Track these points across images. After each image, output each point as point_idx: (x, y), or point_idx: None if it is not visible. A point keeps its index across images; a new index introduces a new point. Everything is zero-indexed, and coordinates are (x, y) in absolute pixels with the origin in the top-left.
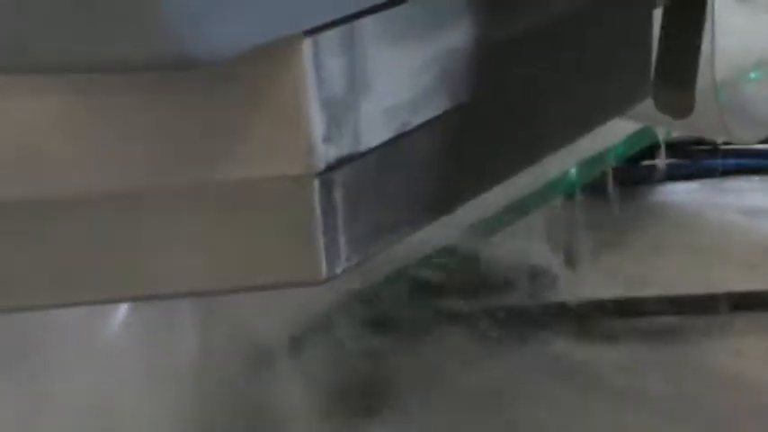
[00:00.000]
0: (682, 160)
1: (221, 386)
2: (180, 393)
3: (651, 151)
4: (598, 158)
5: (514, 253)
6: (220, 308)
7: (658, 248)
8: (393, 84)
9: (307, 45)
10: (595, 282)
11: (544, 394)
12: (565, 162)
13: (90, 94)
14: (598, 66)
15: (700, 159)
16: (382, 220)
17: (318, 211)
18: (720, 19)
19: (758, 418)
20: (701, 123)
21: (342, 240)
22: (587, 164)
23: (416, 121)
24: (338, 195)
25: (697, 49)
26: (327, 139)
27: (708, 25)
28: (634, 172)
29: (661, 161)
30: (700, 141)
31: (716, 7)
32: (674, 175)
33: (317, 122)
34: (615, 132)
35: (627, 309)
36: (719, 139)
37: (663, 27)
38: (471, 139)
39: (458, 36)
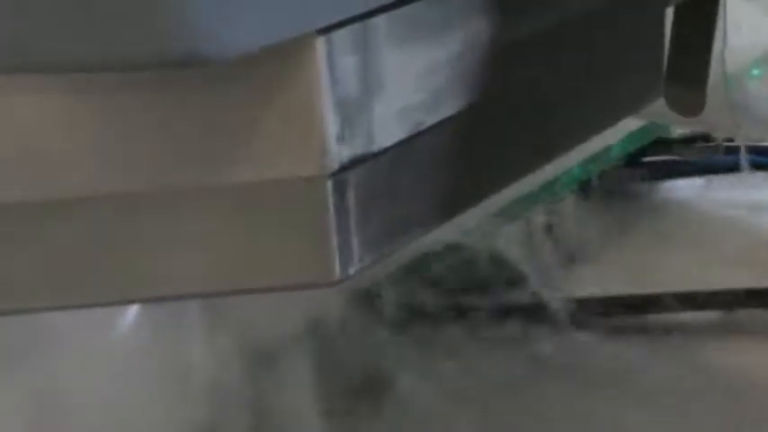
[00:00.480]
0: (684, 157)
1: (227, 385)
2: (187, 393)
3: (653, 148)
4: (601, 155)
5: (515, 250)
6: (227, 307)
7: (661, 245)
8: (406, 84)
9: (320, 44)
10: (597, 278)
11: (545, 390)
12: (567, 159)
13: (99, 93)
14: (610, 65)
15: (702, 156)
16: (395, 220)
17: (332, 212)
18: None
19: (760, 414)
20: (711, 121)
21: (355, 241)
22: (590, 161)
23: (429, 121)
24: (351, 196)
25: (708, 47)
26: (341, 139)
27: (719, 24)
28: (636, 169)
29: (663, 158)
30: (705, 138)
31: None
32: (676, 171)
33: (330, 123)
34: (617, 129)
35: (629, 306)
36: (732, 138)
37: (674, 26)
38: (484, 140)
39: (470, 36)
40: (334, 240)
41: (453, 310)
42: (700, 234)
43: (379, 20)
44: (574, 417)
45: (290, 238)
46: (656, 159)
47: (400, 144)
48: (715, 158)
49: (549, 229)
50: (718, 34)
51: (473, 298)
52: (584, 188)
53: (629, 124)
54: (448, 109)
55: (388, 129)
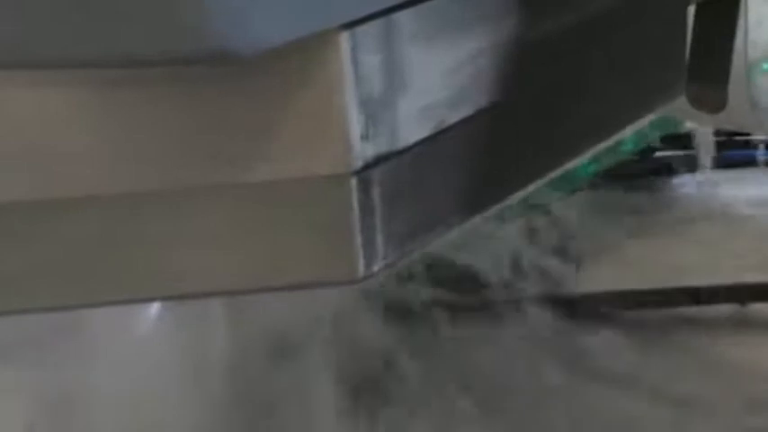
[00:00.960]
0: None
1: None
2: (209, 385)
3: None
4: (613, 149)
5: (522, 245)
6: (247, 301)
7: (673, 240)
8: (430, 81)
9: (344, 40)
10: (608, 274)
11: (551, 383)
12: None
13: (119, 91)
14: (633, 63)
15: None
16: (419, 217)
17: (356, 210)
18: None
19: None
20: (733, 118)
21: (379, 239)
22: (601, 155)
23: (452, 119)
24: (376, 194)
25: (730, 44)
26: (365, 137)
27: (740, 21)
28: (647, 163)
29: (674, 153)
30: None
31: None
32: (686, 166)
33: (354, 120)
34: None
35: (636, 300)
36: (754, 133)
37: (695, 23)
38: (507, 138)
39: (495, 34)
40: (359, 238)
41: (449, 306)
42: (711, 229)
43: (403, 16)
44: (581, 409)
45: (314, 236)
46: (668, 154)
47: (424, 142)
48: (728, 153)
49: (557, 224)
50: (739, 31)
51: (477, 293)
52: (595, 183)
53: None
54: (471, 107)
55: (412, 126)
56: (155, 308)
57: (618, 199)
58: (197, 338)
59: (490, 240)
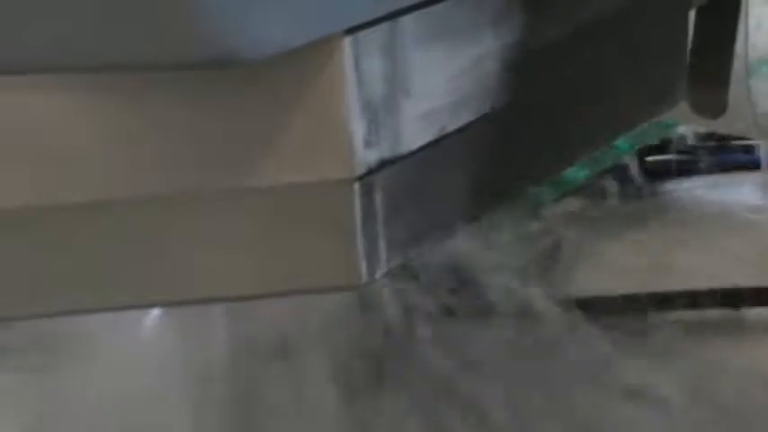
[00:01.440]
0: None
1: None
2: (210, 387)
3: (660, 146)
4: (605, 153)
5: (513, 250)
6: (247, 304)
7: (667, 244)
8: (433, 87)
9: (347, 45)
10: (601, 278)
11: (546, 387)
12: None
13: (126, 95)
14: (635, 68)
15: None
16: (421, 223)
17: (359, 216)
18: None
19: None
20: (734, 123)
21: (382, 244)
22: (595, 158)
23: (456, 124)
24: (378, 199)
25: (731, 48)
26: (368, 142)
27: (741, 25)
28: (642, 167)
29: (670, 156)
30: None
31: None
32: (681, 170)
33: (357, 125)
34: None
35: (634, 304)
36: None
37: (696, 27)
38: (510, 142)
39: (496, 40)
40: (361, 243)
41: (446, 309)
42: (706, 233)
43: (407, 21)
44: (574, 415)
45: (316, 242)
46: (661, 158)
47: (427, 147)
48: (722, 157)
49: (549, 228)
50: (740, 37)
51: (466, 297)
52: (586, 187)
53: None
54: (473, 112)
55: (415, 131)
56: (154, 311)
57: (611, 203)
58: (197, 340)
59: (485, 244)
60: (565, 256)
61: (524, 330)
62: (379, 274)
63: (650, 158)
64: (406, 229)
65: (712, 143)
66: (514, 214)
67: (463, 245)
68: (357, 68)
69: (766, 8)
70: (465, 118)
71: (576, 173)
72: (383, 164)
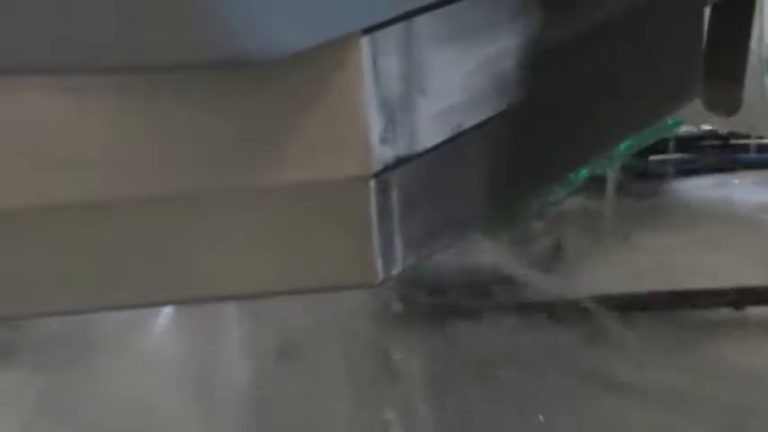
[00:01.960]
0: (692, 155)
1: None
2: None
3: (661, 146)
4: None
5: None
6: (259, 303)
7: (670, 243)
8: (449, 85)
9: (365, 44)
10: (606, 278)
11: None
12: None
13: (141, 95)
14: (650, 64)
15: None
16: (437, 220)
17: (375, 213)
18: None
19: None
20: (748, 120)
21: (398, 241)
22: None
23: (471, 122)
24: (394, 196)
25: (745, 46)
26: (384, 139)
27: (756, 22)
28: (644, 167)
29: (671, 156)
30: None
31: None
32: (683, 170)
33: (374, 123)
34: None
35: (636, 303)
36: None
37: (711, 25)
38: (525, 140)
39: (512, 37)
40: (377, 241)
41: (454, 309)
42: (710, 232)
43: (423, 20)
44: (577, 412)
45: (333, 239)
46: (663, 157)
47: (443, 144)
48: (725, 157)
49: (556, 228)
50: (754, 35)
51: (475, 297)
52: (588, 187)
53: None
54: (489, 110)
55: (431, 129)
56: (167, 309)
57: (614, 202)
58: (208, 339)
59: (489, 244)
60: (567, 256)
61: (529, 328)
62: (394, 272)
63: (653, 158)
64: (422, 227)
65: (716, 142)
66: (517, 213)
67: (469, 245)
68: (374, 67)
69: None
70: (481, 115)
71: (578, 172)
72: (399, 161)
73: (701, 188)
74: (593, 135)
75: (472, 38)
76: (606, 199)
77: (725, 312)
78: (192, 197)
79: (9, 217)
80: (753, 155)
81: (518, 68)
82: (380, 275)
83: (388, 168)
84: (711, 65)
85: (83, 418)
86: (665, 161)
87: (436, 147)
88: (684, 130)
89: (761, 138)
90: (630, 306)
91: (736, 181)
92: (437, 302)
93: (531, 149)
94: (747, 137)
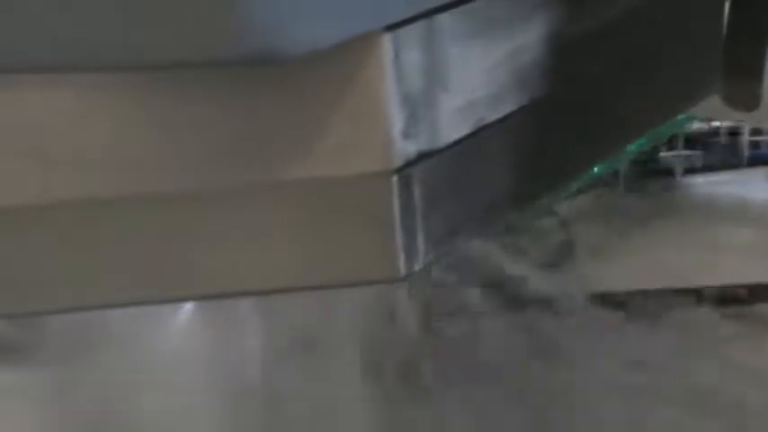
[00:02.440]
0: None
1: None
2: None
3: (670, 143)
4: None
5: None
6: (278, 299)
7: (679, 241)
8: (471, 80)
9: (387, 41)
10: (615, 274)
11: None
12: None
13: (161, 92)
14: (670, 58)
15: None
16: (459, 216)
17: (397, 208)
18: None
19: None
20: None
21: (420, 236)
22: None
23: (493, 116)
24: (416, 191)
25: (764, 42)
26: (406, 135)
27: None
28: (653, 163)
29: (680, 152)
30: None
31: None
32: (693, 166)
33: (396, 118)
34: None
35: (640, 300)
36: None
37: (730, 20)
38: (546, 135)
39: (533, 32)
40: (400, 236)
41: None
42: (719, 229)
43: (445, 16)
44: (590, 409)
45: (356, 234)
46: (672, 154)
47: (465, 139)
48: (736, 152)
49: (563, 224)
50: None
51: (483, 293)
52: (599, 183)
53: None
54: (510, 105)
55: (452, 124)
56: (187, 306)
57: (624, 200)
58: (227, 335)
59: (504, 241)
60: (578, 252)
61: (545, 324)
62: (417, 267)
63: (663, 154)
64: (444, 222)
65: (725, 139)
66: (529, 210)
67: (483, 242)
68: (396, 64)
69: None
70: (503, 110)
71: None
72: (421, 156)
73: (711, 184)
74: (612, 130)
75: (493, 33)
76: (617, 195)
77: (735, 309)
78: (213, 193)
79: (10, 216)
80: (764, 151)
81: (540, 63)
82: (403, 270)
83: (410, 164)
84: (730, 59)
85: (96, 415)
86: (675, 157)
87: (458, 142)
88: (695, 126)
89: None
90: (639, 302)
91: (748, 177)
92: (455, 300)
93: (552, 144)
94: (759, 133)
